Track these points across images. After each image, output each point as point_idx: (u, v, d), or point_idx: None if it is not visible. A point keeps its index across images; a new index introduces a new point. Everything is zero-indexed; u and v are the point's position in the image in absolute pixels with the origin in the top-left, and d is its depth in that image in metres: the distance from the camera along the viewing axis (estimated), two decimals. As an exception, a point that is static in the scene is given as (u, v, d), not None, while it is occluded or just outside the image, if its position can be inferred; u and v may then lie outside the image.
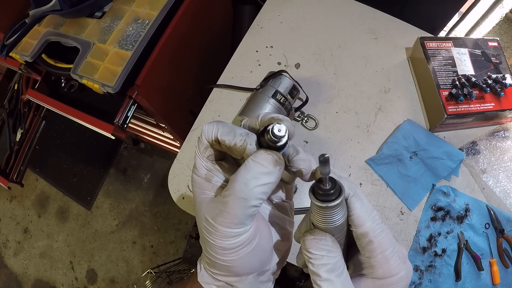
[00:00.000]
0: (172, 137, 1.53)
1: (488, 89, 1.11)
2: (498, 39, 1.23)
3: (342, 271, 0.36)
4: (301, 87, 1.01)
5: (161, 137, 1.62)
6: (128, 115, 1.12)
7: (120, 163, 2.45)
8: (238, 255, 0.37)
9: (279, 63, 1.14)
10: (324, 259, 0.36)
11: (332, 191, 0.35)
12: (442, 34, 1.61)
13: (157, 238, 2.27)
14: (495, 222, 1.07)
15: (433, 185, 1.06)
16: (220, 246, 0.37)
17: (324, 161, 0.33)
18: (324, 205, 0.35)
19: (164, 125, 1.37)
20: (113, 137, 1.12)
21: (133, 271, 2.25)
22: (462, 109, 1.07)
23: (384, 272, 0.38)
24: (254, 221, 0.38)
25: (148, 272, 1.53)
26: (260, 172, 0.35)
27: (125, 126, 1.12)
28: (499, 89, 1.11)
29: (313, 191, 0.36)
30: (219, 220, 0.36)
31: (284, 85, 0.97)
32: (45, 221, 2.41)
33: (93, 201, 2.38)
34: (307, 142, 1.04)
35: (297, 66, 1.14)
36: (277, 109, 0.94)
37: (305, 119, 1.07)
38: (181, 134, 1.39)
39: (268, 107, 0.93)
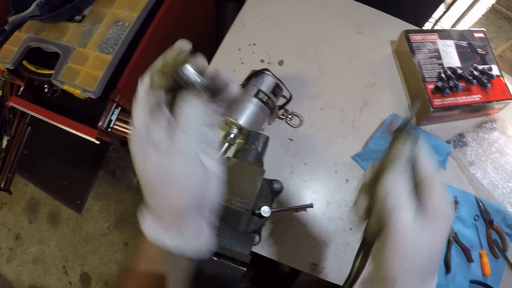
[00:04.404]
0: (159, 138, 1.54)
1: (475, 80, 1.13)
2: (485, 30, 1.25)
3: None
4: (284, 85, 1.03)
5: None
6: (112, 118, 1.14)
7: (109, 165, 2.46)
8: (185, 188, 0.43)
9: (262, 61, 1.16)
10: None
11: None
12: (429, 26, 1.62)
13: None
14: (484, 214, 1.09)
15: (421, 179, 1.07)
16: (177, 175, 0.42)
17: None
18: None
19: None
20: (97, 142, 1.14)
21: (127, 274, 2.26)
22: (448, 102, 1.09)
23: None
24: (201, 159, 0.44)
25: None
26: (196, 110, 0.43)
27: (109, 129, 1.14)
28: (485, 81, 1.13)
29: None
30: (173, 152, 0.42)
31: (266, 83, 0.99)
32: (36, 226, 2.42)
33: (83, 204, 2.40)
34: (292, 140, 1.06)
35: (281, 63, 1.16)
36: (260, 108, 0.96)
37: (289, 116, 1.08)
38: (167, 135, 1.41)
39: (250, 107, 0.95)
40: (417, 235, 0.42)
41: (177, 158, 0.42)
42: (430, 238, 0.43)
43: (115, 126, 1.20)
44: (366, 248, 0.52)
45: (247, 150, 0.89)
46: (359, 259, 0.54)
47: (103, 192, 2.41)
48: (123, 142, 2.22)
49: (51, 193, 2.44)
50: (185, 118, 0.42)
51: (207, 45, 1.21)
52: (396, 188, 0.44)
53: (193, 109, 0.43)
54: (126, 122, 1.49)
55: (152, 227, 0.46)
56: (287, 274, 1.37)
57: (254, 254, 0.95)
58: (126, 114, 1.28)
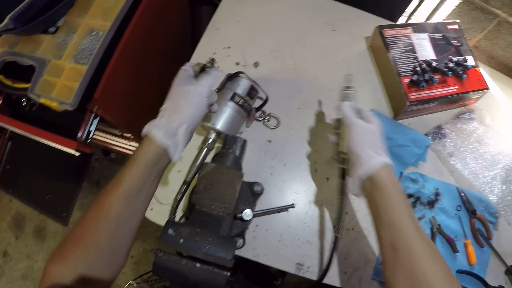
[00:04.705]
0: (140, 146, 1.55)
1: (450, 72, 1.16)
2: (459, 21, 1.28)
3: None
4: (260, 87, 1.05)
5: (129, 146, 1.65)
6: (91, 130, 1.16)
7: (92, 175, 2.47)
8: (194, 108, 0.77)
9: (237, 64, 1.18)
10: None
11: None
12: (403, 19, 1.66)
13: (136, 248, 2.29)
14: (466, 204, 1.12)
15: (401, 173, 1.11)
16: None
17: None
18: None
19: (129, 135, 1.40)
20: (77, 154, 1.15)
21: (116, 284, 2.24)
22: (425, 95, 1.12)
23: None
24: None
25: (129, 284, 1.56)
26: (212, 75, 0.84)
27: (89, 141, 1.16)
28: (461, 72, 1.16)
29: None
30: (197, 87, 0.79)
31: (242, 86, 1.00)
32: (23, 242, 2.42)
33: (69, 217, 2.40)
34: (270, 141, 1.08)
35: (256, 65, 1.18)
36: (237, 111, 0.98)
37: (267, 118, 1.10)
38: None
39: (227, 111, 0.97)
40: (362, 124, 0.82)
41: (196, 91, 0.78)
42: (369, 128, 0.82)
43: (95, 137, 1.22)
44: (343, 172, 0.89)
45: (224, 155, 0.91)
46: (341, 181, 0.90)
47: (88, 203, 2.42)
48: (105, 151, 2.25)
49: (36, 207, 2.45)
50: (205, 78, 0.82)
51: (183, 50, 1.23)
52: (348, 109, 0.87)
53: (211, 74, 0.83)
54: (107, 132, 1.51)
55: (157, 130, 0.71)
56: (273, 276, 1.40)
57: (241, 257, 0.97)
58: (105, 124, 1.29)
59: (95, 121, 1.17)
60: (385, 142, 0.83)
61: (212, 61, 0.89)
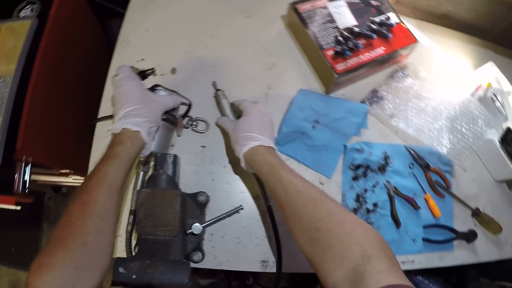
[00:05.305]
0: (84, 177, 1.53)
1: (374, 34, 1.17)
2: (373, -21, 1.28)
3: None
4: (180, 94, 1.04)
5: (74, 181, 1.61)
6: (25, 179, 1.13)
7: (50, 215, 2.42)
8: (130, 98, 0.84)
9: (154, 75, 1.14)
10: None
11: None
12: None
13: (109, 275, 2.25)
14: (418, 160, 1.15)
15: (345, 146, 1.11)
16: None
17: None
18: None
19: (67, 171, 1.37)
20: (18, 208, 1.13)
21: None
22: (352, 63, 1.13)
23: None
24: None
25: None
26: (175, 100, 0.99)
27: (27, 190, 1.13)
28: (385, 31, 1.18)
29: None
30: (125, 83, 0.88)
31: (161, 100, 0.99)
32: (3, 302, 2.38)
33: (38, 263, 2.36)
34: (204, 147, 1.07)
35: (173, 71, 1.15)
36: (163, 126, 0.95)
37: (194, 123, 1.08)
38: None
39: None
40: (231, 127, 0.95)
41: (161, 103, 0.91)
42: (246, 120, 0.92)
43: (38, 178, 1.19)
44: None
45: (157, 177, 0.90)
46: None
47: (53, 245, 2.37)
48: (56, 188, 2.22)
49: (4, 263, 2.40)
50: (170, 98, 0.95)
51: (101, 67, 1.19)
52: (223, 118, 1.04)
53: (174, 100, 0.97)
54: (46, 174, 1.48)
55: (140, 128, 0.81)
56: (245, 275, 1.40)
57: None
58: (40, 167, 1.25)
59: (28, 169, 1.14)
60: (262, 125, 0.91)
61: (153, 70, 0.99)
